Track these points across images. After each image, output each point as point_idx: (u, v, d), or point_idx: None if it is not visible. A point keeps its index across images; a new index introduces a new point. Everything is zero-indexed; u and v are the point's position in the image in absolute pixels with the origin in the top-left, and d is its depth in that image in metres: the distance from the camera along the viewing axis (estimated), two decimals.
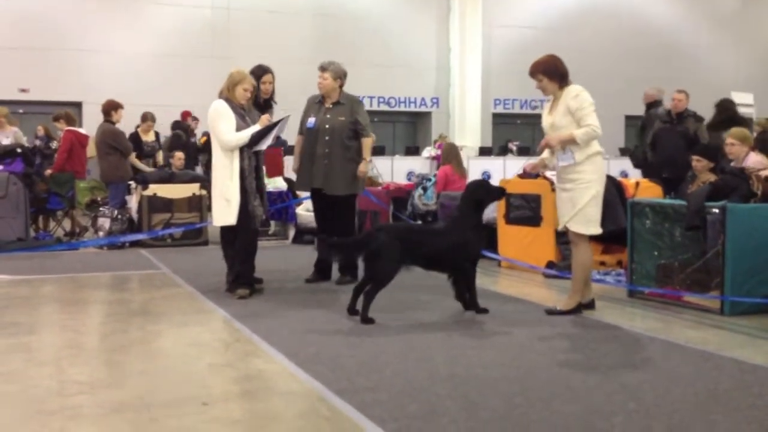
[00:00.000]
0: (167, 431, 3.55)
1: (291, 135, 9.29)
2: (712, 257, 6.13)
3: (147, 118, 12.60)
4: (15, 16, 17.54)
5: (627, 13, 22.90)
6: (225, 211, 6.59)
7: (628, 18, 22.88)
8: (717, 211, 6.06)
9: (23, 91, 17.63)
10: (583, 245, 5.98)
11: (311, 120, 7.35)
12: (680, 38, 23.39)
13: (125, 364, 4.74)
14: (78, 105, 17.34)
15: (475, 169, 16.78)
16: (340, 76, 7.34)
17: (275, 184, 10.80)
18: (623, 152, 17.56)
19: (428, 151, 18.68)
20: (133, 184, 10.75)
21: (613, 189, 7.29)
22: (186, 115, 15.55)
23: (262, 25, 19.30)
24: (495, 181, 7.88)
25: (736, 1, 24.23)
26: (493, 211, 8.29)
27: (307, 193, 8.26)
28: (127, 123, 11.48)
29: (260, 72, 7.48)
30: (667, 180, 9.42)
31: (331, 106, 7.33)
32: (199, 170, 12.42)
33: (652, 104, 10.73)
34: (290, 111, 7.27)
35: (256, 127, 6.60)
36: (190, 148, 13.36)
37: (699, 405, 3.85)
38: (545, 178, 7.97)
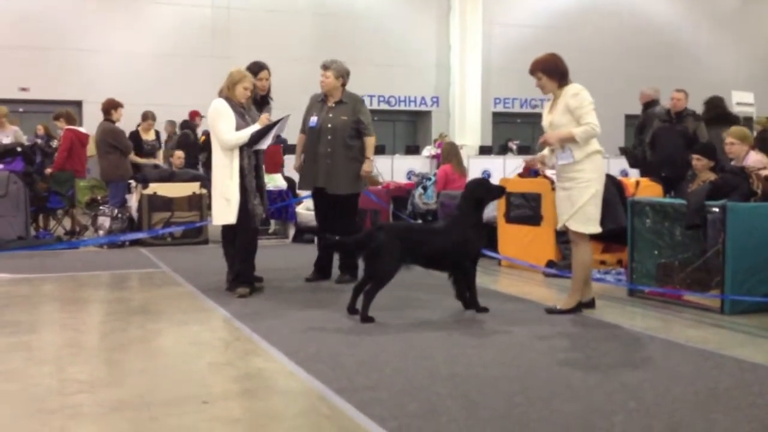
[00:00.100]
0: (167, 430, 3.55)
1: (291, 134, 9.31)
2: (713, 256, 6.13)
3: (147, 117, 12.62)
4: (15, 16, 17.55)
5: (627, 12, 22.91)
6: (225, 210, 6.59)
7: (629, 17, 22.89)
8: (717, 210, 6.05)
9: (23, 90, 17.65)
10: (583, 244, 5.98)
11: (313, 119, 7.34)
12: (681, 37, 23.40)
13: (125, 363, 4.74)
14: (78, 104, 17.35)
15: (475, 168, 16.78)
16: (343, 74, 7.33)
17: (275, 182, 10.80)
18: (623, 151, 17.56)
19: (428, 150, 18.68)
20: (133, 182, 10.75)
21: (613, 188, 7.28)
22: (194, 114, 15.55)
23: (261, 24, 19.30)
24: (495, 180, 7.88)
25: None
26: (494, 210, 8.29)
27: (308, 192, 8.26)
28: (127, 122, 11.48)
29: (256, 69, 7.47)
30: (667, 179, 9.43)
31: (333, 105, 7.32)
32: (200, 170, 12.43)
33: (649, 104, 10.75)
34: (290, 110, 7.26)
35: (255, 127, 6.60)
36: (199, 147, 13.35)
37: (699, 404, 3.85)
38: (545, 177, 7.97)
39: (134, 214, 10.52)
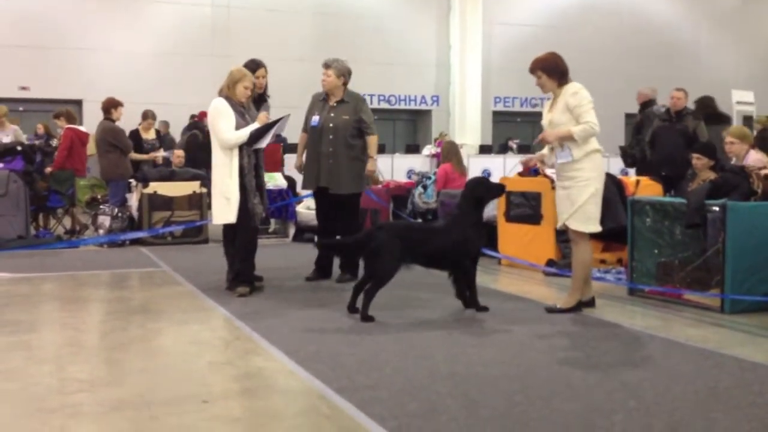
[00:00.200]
0: (167, 429, 3.55)
1: (292, 133, 9.31)
2: (713, 255, 6.13)
3: (148, 116, 12.63)
4: (16, 15, 17.55)
5: (628, 11, 22.90)
6: (225, 209, 6.59)
7: (629, 16, 22.88)
8: (717, 209, 6.05)
9: (24, 89, 17.65)
10: (583, 243, 5.98)
11: (315, 118, 7.33)
12: (681, 36, 23.39)
13: (125, 362, 4.74)
14: (78, 103, 17.35)
15: (475, 167, 16.77)
16: (344, 73, 7.32)
17: (275, 181, 10.79)
18: (622, 151, 17.57)
19: (428, 149, 18.67)
20: (133, 181, 10.75)
21: (613, 187, 7.28)
22: (203, 115, 15.51)
23: (261, 23, 19.30)
24: (495, 179, 7.87)
25: None
26: (494, 209, 8.29)
27: (308, 191, 8.26)
28: (127, 121, 11.48)
29: (254, 66, 7.45)
30: (667, 178, 9.43)
31: (335, 104, 7.32)
32: None
33: (647, 103, 10.76)
34: (290, 110, 7.25)
35: (255, 125, 6.59)
36: (207, 147, 13.30)
37: (699, 403, 3.85)
38: (545, 176, 7.97)
39: (134, 213, 10.52)
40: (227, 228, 6.82)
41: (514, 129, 22.18)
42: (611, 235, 7.02)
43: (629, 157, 11.05)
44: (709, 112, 10.36)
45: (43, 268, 8.25)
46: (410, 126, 22.46)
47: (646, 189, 8.50)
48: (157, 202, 10.32)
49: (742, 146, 7.35)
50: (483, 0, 20.96)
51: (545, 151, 6.17)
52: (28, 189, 10.21)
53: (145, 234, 10.15)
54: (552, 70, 5.91)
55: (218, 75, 7.33)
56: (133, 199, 10.62)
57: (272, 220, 11.17)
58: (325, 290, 6.98)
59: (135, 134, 11.99)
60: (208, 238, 10.33)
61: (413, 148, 19.35)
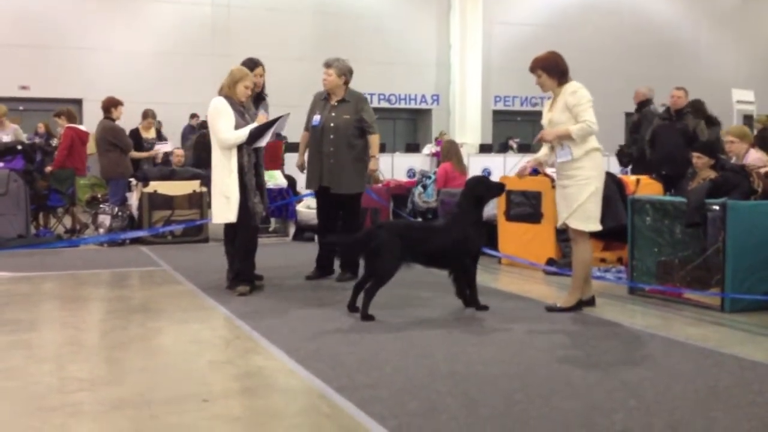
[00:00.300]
0: (167, 428, 3.55)
1: (293, 132, 9.31)
2: (713, 254, 6.13)
3: (148, 115, 12.63)
4: (16, 15, 17.57)
5: (628, 11, 22.91)
6: (225, 208, 6.58)
7: (629, 15, 22.89)
8: (717, 208, 6.05)
9: (24, 88, 17.67)
10: (583, 242, 5.98)
11: (316, 117, 7.33)
12: (681, 36, 23.40)
13: (125, 361, 4.74)
14: (78, 102, 17.36)
15: (475, 166, 16.79)
16: (345, 72, 7.31)
17: (275, 180, 10.79)
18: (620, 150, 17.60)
19: (428, 148, 18.69)
20: (133, 180, 10.75)
21: (613, 185, 7.29)
22: None
23: (262, 22, 19.31)
24: (495, 178, 7.87)
25: None
26: (494, 208, 8.29)
27: (308, 190, 8.26)
28: (127, 120, 11.49)
29: (251, 65, 7.43)
30: (667, 177, 9.43)
31: (336, 103, 7.31)
32: None
33: (644, 103, 10.78)
34: (290, 109, 7.25)
35: (254, 125, 6.59)
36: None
37: (699, 402, 3.85)
38: (546, 175, 7.97)
39: (134, 212, 10.52)
40: (228, 227, 6.82)
41: (514, 128, 22.19)
42: (611, 233, 7.03)
43: (625, 156, 11.06)
44: (700, 116, 10.36)
45: (43, 267, 8.25)
46: (410, 125, 22.47)
47: (646, 188, 8.51)
48: (157, 201, 10.32)
49: (742, 145, 7.35)
50: None
51: (545, 149, 6.17)
52: (28, 188, 10.21)
53: (146, 233, 10.15)
54: (552, 69, 5.91)
55: (218, 74, 7.32)
56: (133, 198, 10.62)
57: (272, 219, 11.18)
58: (326, 289, 6.98)
59: (135, 133, 12.00)
60: (209, 237, 10.33)
61: (413, 147, 19.37)
